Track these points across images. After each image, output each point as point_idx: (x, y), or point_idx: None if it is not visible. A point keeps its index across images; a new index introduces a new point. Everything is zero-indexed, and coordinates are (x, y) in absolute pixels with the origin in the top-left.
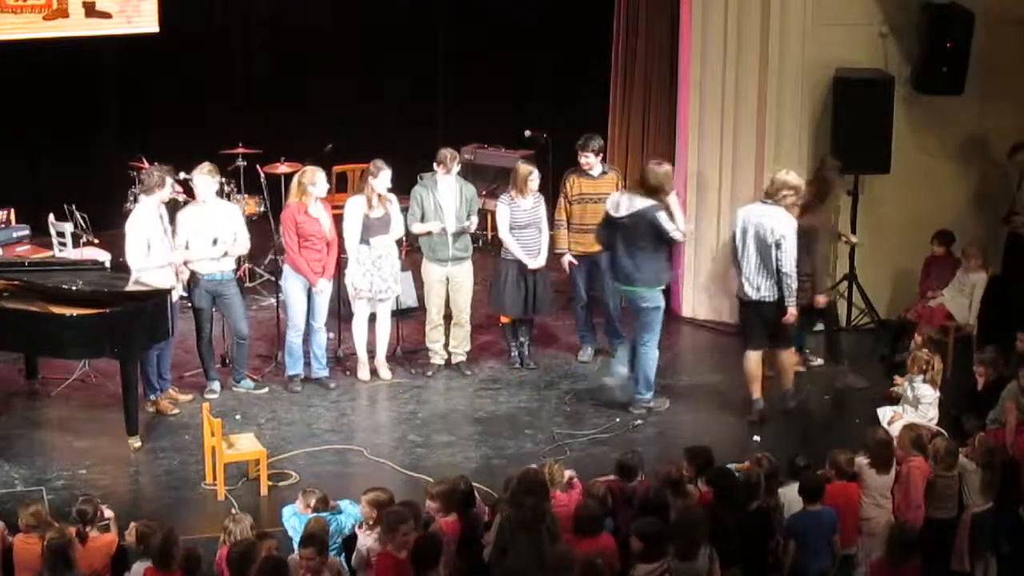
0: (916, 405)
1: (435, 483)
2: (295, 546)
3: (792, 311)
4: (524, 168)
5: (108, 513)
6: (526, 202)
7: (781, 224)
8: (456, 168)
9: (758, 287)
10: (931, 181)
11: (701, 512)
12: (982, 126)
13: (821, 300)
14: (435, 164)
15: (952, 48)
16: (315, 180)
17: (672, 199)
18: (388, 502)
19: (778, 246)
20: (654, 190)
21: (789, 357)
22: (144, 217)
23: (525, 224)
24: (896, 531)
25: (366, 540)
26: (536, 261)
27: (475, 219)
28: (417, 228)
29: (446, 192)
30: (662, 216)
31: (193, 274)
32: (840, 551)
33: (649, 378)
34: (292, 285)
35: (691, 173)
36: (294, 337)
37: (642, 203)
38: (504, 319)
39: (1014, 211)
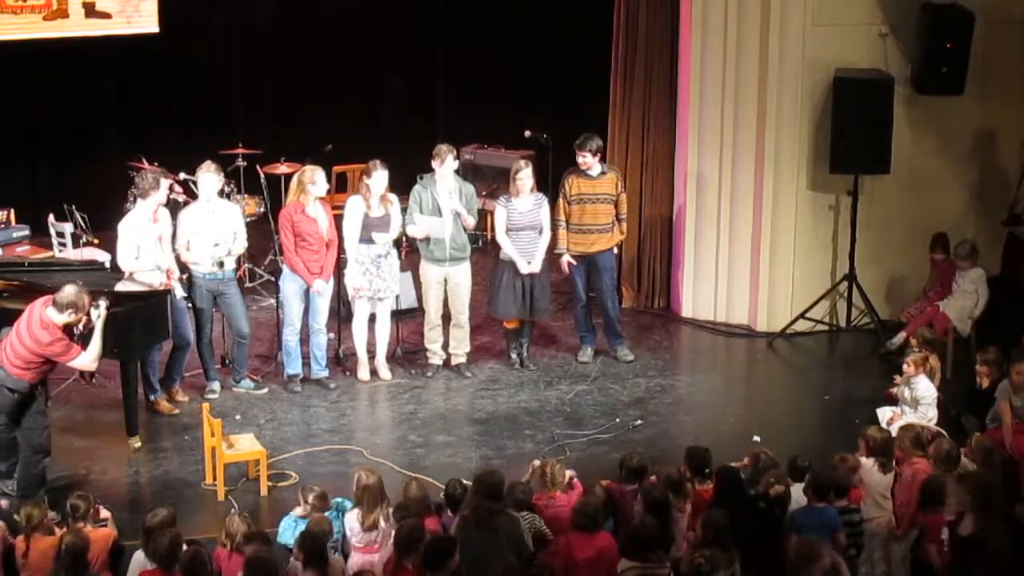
0: (915, 405)
1: (416, 488)
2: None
3: None
4: (514, 167)
5: (104, 513)
6: (523, 204)
7: None
8: (452, 162)
9: None
10: (931, 181)
11: (723, 512)
12: (982, 126)
13: None
14: (431, 160)
15: (952, 48)
16: (315, 179)
17: None
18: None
19: None
20: None
21: None
22: (135, 221)
23: (522, 226)
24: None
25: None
26: (530, 266)
27: (473, 219)
28: (412, 231)
29: (444, 192)
30: None
31: (191, 275)
32: (842, 549)
33: None
34: (289, 286)
35: (691, 173)
36: (290, 336)
37: None
38: (508, 324)
39: (1014, 208)
